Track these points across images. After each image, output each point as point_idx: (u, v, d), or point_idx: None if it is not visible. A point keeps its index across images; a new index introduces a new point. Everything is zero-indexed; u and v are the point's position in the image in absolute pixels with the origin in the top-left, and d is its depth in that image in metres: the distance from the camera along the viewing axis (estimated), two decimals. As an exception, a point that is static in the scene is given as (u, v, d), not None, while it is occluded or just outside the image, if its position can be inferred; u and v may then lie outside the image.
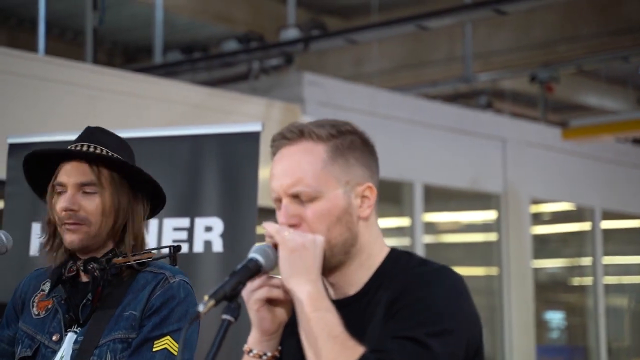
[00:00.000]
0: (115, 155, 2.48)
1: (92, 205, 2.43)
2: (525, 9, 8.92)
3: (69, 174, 2.44)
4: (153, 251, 2.55)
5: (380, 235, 2.01)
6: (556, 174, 10.97)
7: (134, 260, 2.47)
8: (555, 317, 12.30)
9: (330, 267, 1.93)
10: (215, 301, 1.80)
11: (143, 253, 2.50)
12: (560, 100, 12.37)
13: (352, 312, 1.90)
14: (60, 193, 2.47)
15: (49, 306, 2.54)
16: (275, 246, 1.89)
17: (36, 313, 2.56)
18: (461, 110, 10.42)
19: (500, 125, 10.49)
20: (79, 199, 2.44)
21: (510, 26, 11.56)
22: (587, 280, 11.73)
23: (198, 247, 3.99)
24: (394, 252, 2.00)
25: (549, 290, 12.12)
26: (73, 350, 2.43)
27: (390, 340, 1.80)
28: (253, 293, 1.91)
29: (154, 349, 2.38)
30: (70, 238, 2.44)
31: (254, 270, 1.87)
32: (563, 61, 10.82)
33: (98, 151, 2.46)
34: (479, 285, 10.49)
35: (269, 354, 1.97)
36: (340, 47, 9.85)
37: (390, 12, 10.37)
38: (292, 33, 9.17)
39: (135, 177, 2.50)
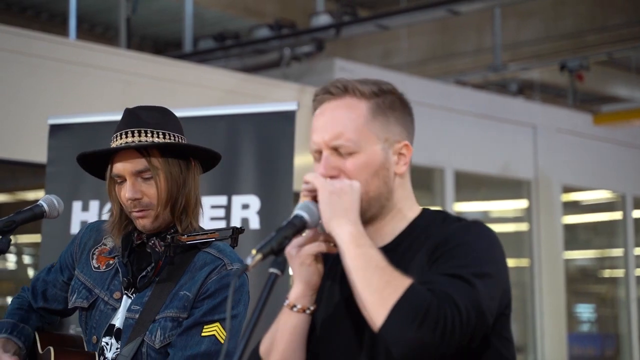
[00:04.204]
0: (161, 135, 2.52)
1: (152, 189, 2.49)
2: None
3: (124, 164, 2.50)
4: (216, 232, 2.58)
5: (412, 194, 2.08)
6: (587, 161, 10.91)
7: (199, 240, 2.53)
8: (586, 310, 12.23)
9: (365, 220, 1.97)
10: (263, 255, 1.85)
11: (207, 233, 2.55)
12: (589, 91, 12.29)
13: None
14: (120, 183, 2.53)
15: (111, 262, 2.61)
16: (315, 199, 1.94)
17: (96, 266, 2.63)
18: (492, 96, 10.39)
19: (530, 112, 10.45)
20: (140, 186, 2.50)
21: (539, 16, 11.51)
22: (619, 272, 11.66)
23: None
24: (428, 210, 2.08)
25: (580, 282, 12.06)
26: (126, 319, 2.51)
27: (436, 276, 1.84)
28: (304, 248, 1.96)
29: (202, 334, 2.44)
30: (141, 223, 2.51)
31: (300, 226, 1.92)
32: (592, 52, 10.75)
33: (143, 137, 2.50)
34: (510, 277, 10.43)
35: (312, 307, 2.03)
36: (370, 33, 9.80)
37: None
38: (323, 19, 9.18)
39: (184, 150, 2.56)
